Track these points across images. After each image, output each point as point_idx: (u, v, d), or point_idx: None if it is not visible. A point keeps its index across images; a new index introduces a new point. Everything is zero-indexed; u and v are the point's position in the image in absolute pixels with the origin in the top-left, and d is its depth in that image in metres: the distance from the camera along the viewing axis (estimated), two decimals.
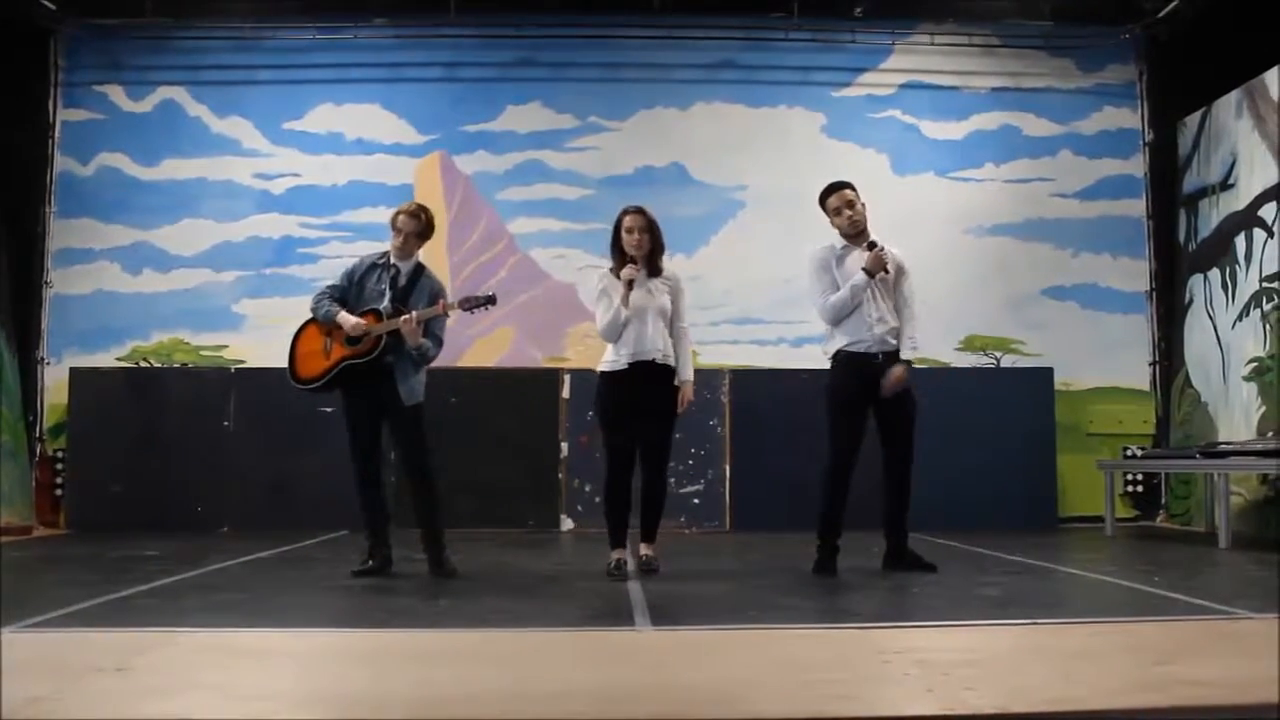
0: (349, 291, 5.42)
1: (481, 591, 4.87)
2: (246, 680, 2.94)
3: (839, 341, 5.48)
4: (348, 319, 5.26)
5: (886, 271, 5.47)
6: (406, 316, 5.20)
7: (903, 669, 3.02)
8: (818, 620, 4.13)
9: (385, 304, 5.33)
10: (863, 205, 5.59)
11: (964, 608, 4.26)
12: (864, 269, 5.41)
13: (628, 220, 5.46)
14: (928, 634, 3.62)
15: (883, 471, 5.47)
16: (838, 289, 5.44)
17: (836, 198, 5.59)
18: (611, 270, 5.51)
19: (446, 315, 5.41)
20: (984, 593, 4.70)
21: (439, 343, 5.42)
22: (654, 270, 5.48)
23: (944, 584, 5.00)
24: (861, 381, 5.38)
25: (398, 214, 5.49)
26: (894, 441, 5.44)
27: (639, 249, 5.41)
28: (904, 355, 5.50)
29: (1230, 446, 7.37)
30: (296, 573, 5.71)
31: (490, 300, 5.48)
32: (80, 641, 3.52)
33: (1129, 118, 9.45)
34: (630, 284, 5.31)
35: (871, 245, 5.45)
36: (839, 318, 5.45)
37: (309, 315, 5.49)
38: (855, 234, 5.56)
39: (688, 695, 2.75)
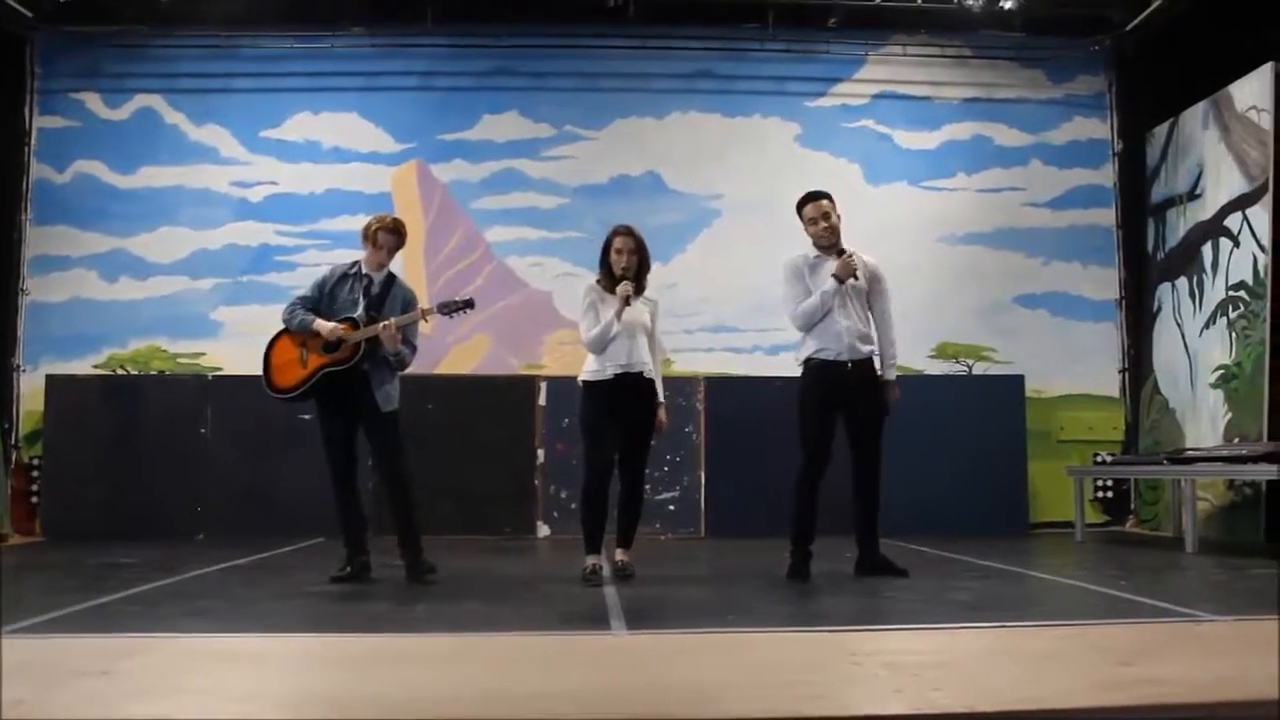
0: (320, 302, 5.46)
1: (459, 596, 4.92)
2: (229, 684, 2.99)
3: (809, 349, 5.57)
4: (325, 325, 5.30)
5: (856, 278, 5.56)
6: (386, 323, 5.25)
7: (873, 670, 3.09)
8: (791, 624, 4.19)
9: (360, 313, 5.37)
10: (838, 217, 5.66)
11: (934, 611, 4.34)
12: (834, 275, 5.49)
13: (618, 241, 5.54)
14: (898, 636, 3.70)
15: (853, 477, 5.55)
16: (810, 295, 5.51)
17: (813, 208, 5.67)
18: (599, 284, 5.57)
19: (425, 320, 5.48)
20: (954, 597, 4.78)
21: (414, 349, 5.49)
22: (639, 288, 5.55)
23: (915, 588, 5.07)
24: (831, 388, 5.46)
25: (378, 229, 5.52)
26: (863, 447, 5.53)
27: (629, 269, 5.48)
28: (889, 376, 5.62)
29: (1196, 453, 7.49)
30: (274, 579, 5.73)
31: (468, 304, 5.54)
32: (63, 646, 3.55)
33: (1099, 128, 9.60)
34: (626, 300, 5.37)
35: (841, 253, 5.53)
36: (810, 324, 5.53)
37: (280, 326, 5.51)
38: (828, 245, 5.64)
39: (663, 696, 2.81)
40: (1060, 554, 7.04)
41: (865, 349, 5.54)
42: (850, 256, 5.51)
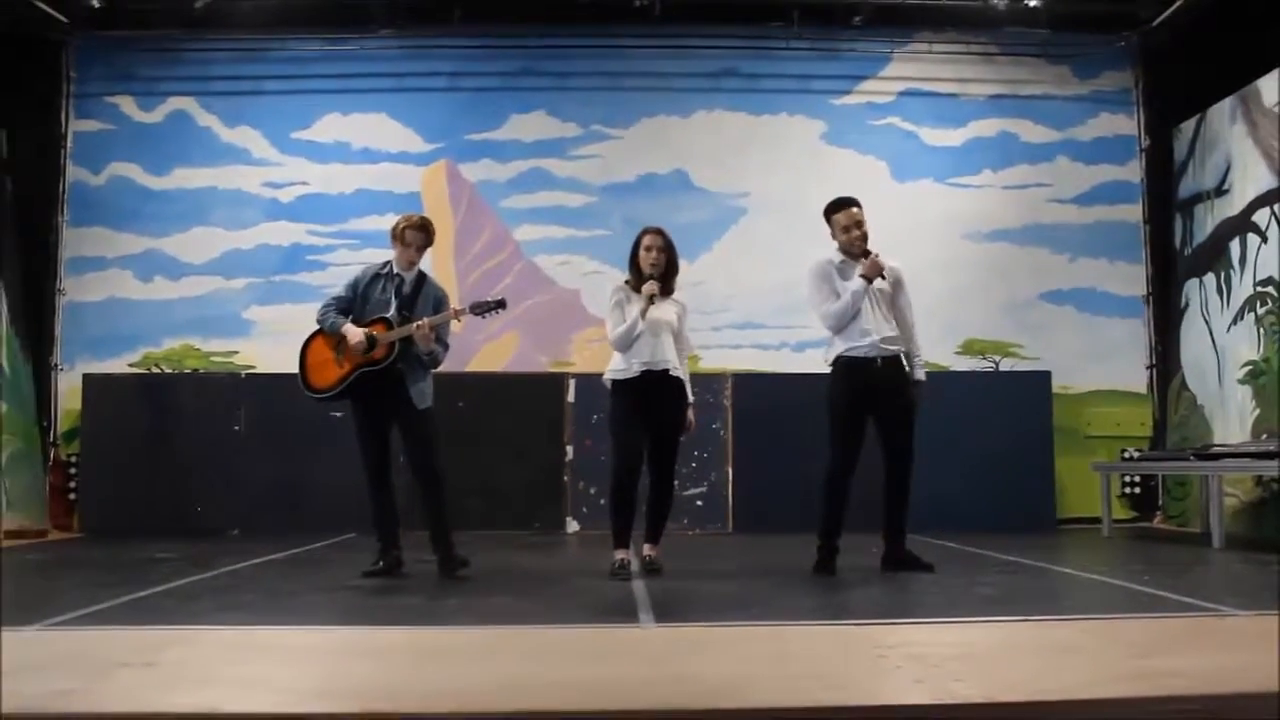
0: (353, 302, 5.55)
1: (489, 590, 5.01)
2: (267, 675, 3.08)
3: (838, 348, 5.62)
4: (352, 331, 5.39)
5: (883, 277, 5.61)
6: (419, 323, 5.33)
7: (895, 662, 3.14)
8: (815, 617, 4.26)
9: (392, 312, 5.46)
10: (867, 228, 5.69)
11: (958, 605, 4.39)
12: (861, 274, 5.54)
13: (647, 239, 5.62)
14: (921, 630, 3.75)
15: (884, 474, 5.60)
16: (838, 297, 5.56)
17: (845, 215, 5.69)
18: (627, 284, 5.64)
19: (458, 320, 5.57)
20: (979, 591, 4.83)
21: (446, 347, 5.59)
22: (667, 289, 5.61)
23: (940, 583, 5.13)
24: (861, 386, 5.51)
25: (405, 228, 5.62)
26: (894, 445, 5.57)
27: (656, 267, 5.55)
28: (918, 376, 5.67)
29: (1224, 449, 7.50)
30: (309, 574, 5.85)
31: (500, 304, 5.63)
32: (107, 638, 3.66)
33: (1125, 124, 9.59)
34: (651, 299, 5.44)
35: (867, 254, 5.58)
36: (841, 325, 5.58)
37: (315, 327, 5.61)
38: (859, 253, 5.67)
39: (689, 687, 2.88)
40: (1086, 549, 7.07)
41: (892, 348, 5.59)
42: (876, 256, 5.56)
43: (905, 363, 5.67)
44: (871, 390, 5.51)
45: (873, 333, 5.54)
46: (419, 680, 2.99)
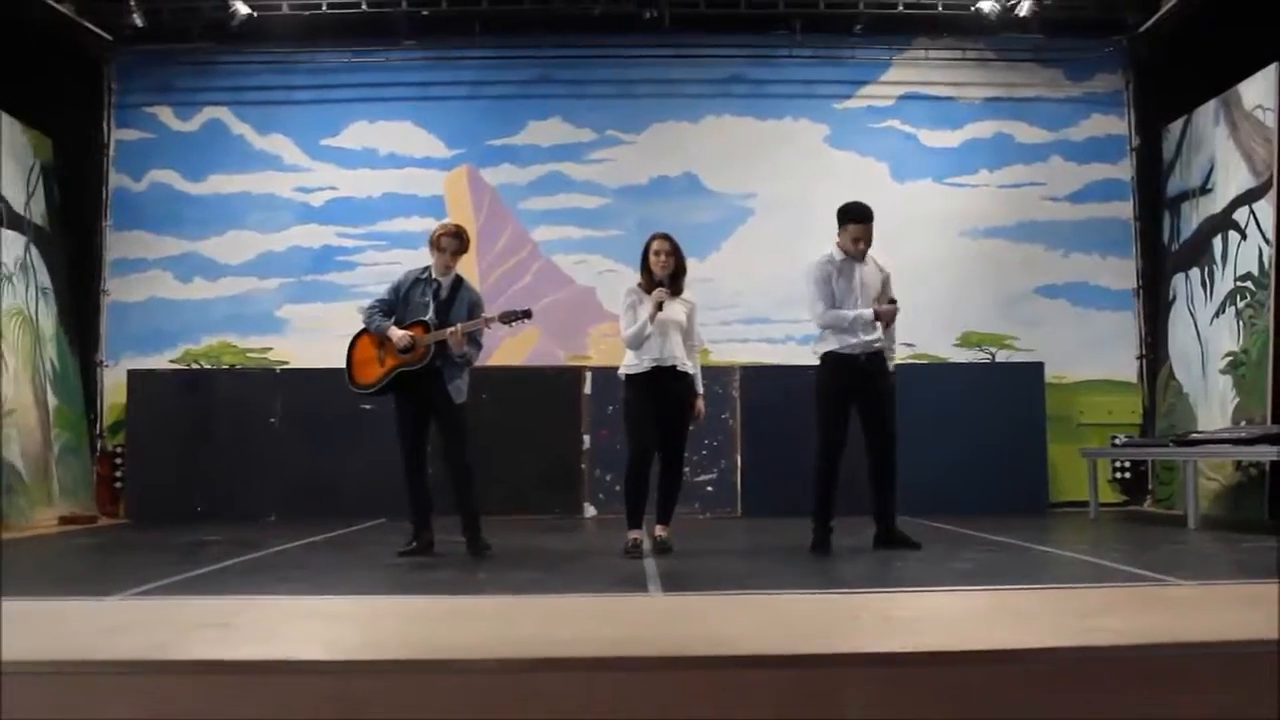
0: (396, 305, 6.04)
1: (514, 567, 5.51)
2: (321, 632, 3.59)
3: (830, 344, 6.08)
4: (396, 333, 5.88)
5: (891, 304, 6.09)
6: (453, 329, 5.82)
7: (870, 622, 3.64)
8: (804, 588, 4.74)
9: (430, 315, 5.94)
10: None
11: (936, 578, 4.86)
12: (876, 315, 5.99)
13: (656, 244, 6.07)
14: (896, 597, 4.23)
15: (868, 458, 6.07)
16: (833, 300, 6.03)
17: (858, 229, 6.09)
18: (640, 286, 6.08)
19: (488, 326, 6.05)
20: (957, 566, 5.31)
21: (479, 347, 6.08)
22: (676, 290, 6.07)
23: (925, 559, 5.60)
24: (846, 378, 5.99)
25: (441, 235, 6.10)
26: (877, 430, 6.04)
27: (665, 269, 6.01)
28: (890, 366, 6.14)
29: (1201, 435, 7.94)
30: (348, 554, 6.37)
31: (527, 314, 6.13)
32: (183, 606, 4.18)
33: (1117, 124, 9.99)
34: (660, 305, 5.89)
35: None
36: (834, 330, 6.05)
37: (361, 327, 6.10)
38: (857, 257, 6.14)
39: (687, 641, 3.38)
40: (1070, 530, 7.52)
41: (876, 344, 6.05)
42: (896, 305, 6.02)
43: (888, 353, 6.14)
44: (856, 381, 5.98)
45: (861, 332, 6.01)
46: (450, 636, 3.49)
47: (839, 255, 6.17)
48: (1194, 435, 8.02)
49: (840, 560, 5.68)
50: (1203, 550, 6.11)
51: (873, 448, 6.09)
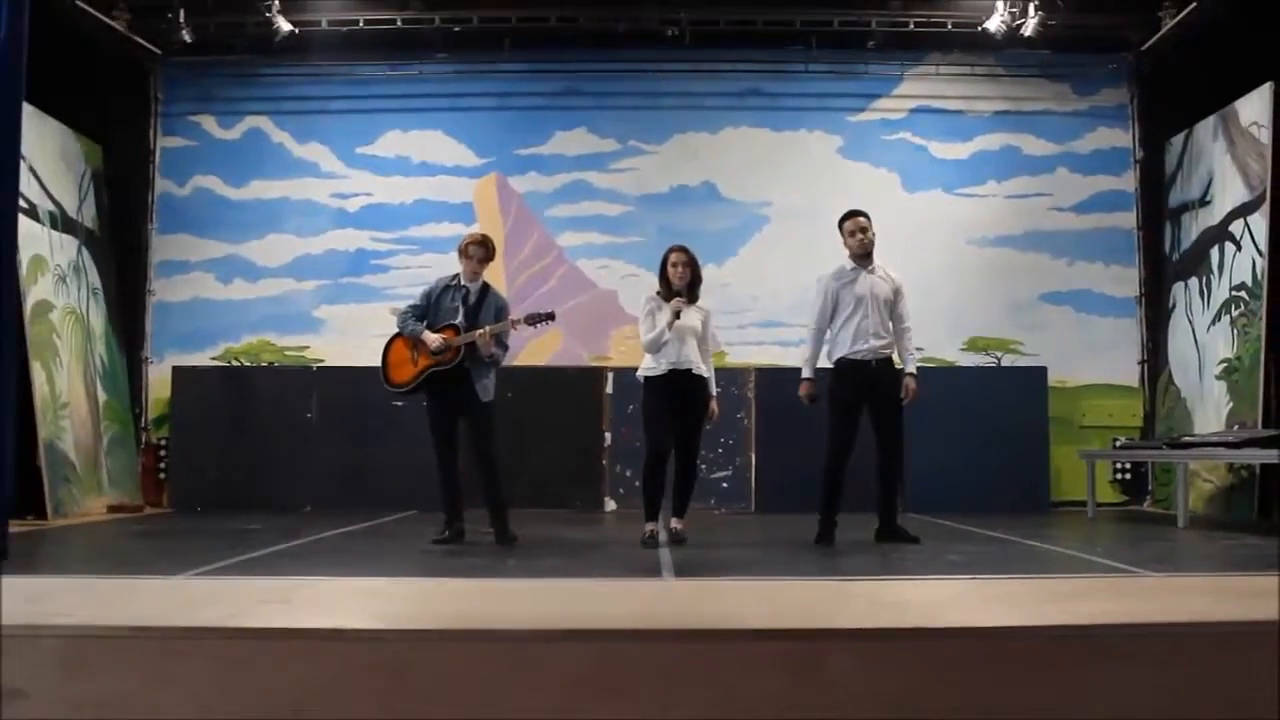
0: (427, 310, 6.48)
1: (539, 555, 5.94)
2: (369, 606, 4.04)
3: (842, 350, 6.50)
4: (429, 336, 6.32)
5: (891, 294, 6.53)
6: (481, 331, 6.26)
7: (861, 604, 4.06)
8: (805, 575, 5.16)
9: (460, 319, 6.39)
10: (873, 232, 6.60)
11: (927, 568, 5.28)
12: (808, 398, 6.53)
13: (673, 256, 6.50)
14: (888, 583, 4.66)
15: (876, 459, 6.49)
16: (831, 312, 6.47)
17: (853, 223, 6.60)
18: (659, 294, 6.51)
19: (514, 328, 6.49)
20: (950, 558, 5.72)
21: (506, 349, 6.52)
22: (692, 298, 6.50)
23: (922, 552, 6.02)
24: (858, 383, 6.40)
25: (468, 244, 6.55)
26: (885, 432, 6.46)
27: (682, 280, 6.44)
28: (910, 370, 6.55)
29: (1191, 439, 8.31)
30: (385, 542, 6.83)
31: (550, 316, 6.57)
32: (245, 584, 4.64)
33: (1121, 137, 10.34)
34: (677, 315, 6.31)
35: (869, 264, 6.48)
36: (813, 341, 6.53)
37: (395, 331, 6.54)
38: (863, 255, 6.59)
39: (693, 618, 3.81)
40: (1065, 528, 7.89)
41: (887, 351, 6.48)
42: (812, 394, 6.53)
43: (899, 359, 6.55)
44: (867, 387, 6.39)
45: (871, 338, 6.43)
46: (484, 610, 3.93)
47: (849, 265, 6.60)
48: (1185, 439, 8.40)
49: (842, 552, 6.10)
50: (1182, 546, 6.51)
51: (881, 449, 6.50)
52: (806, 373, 6.57)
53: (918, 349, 6.79)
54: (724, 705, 3.37)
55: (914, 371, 6.56)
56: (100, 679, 3.45)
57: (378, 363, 6.66)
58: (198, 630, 3.63)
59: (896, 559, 5.74)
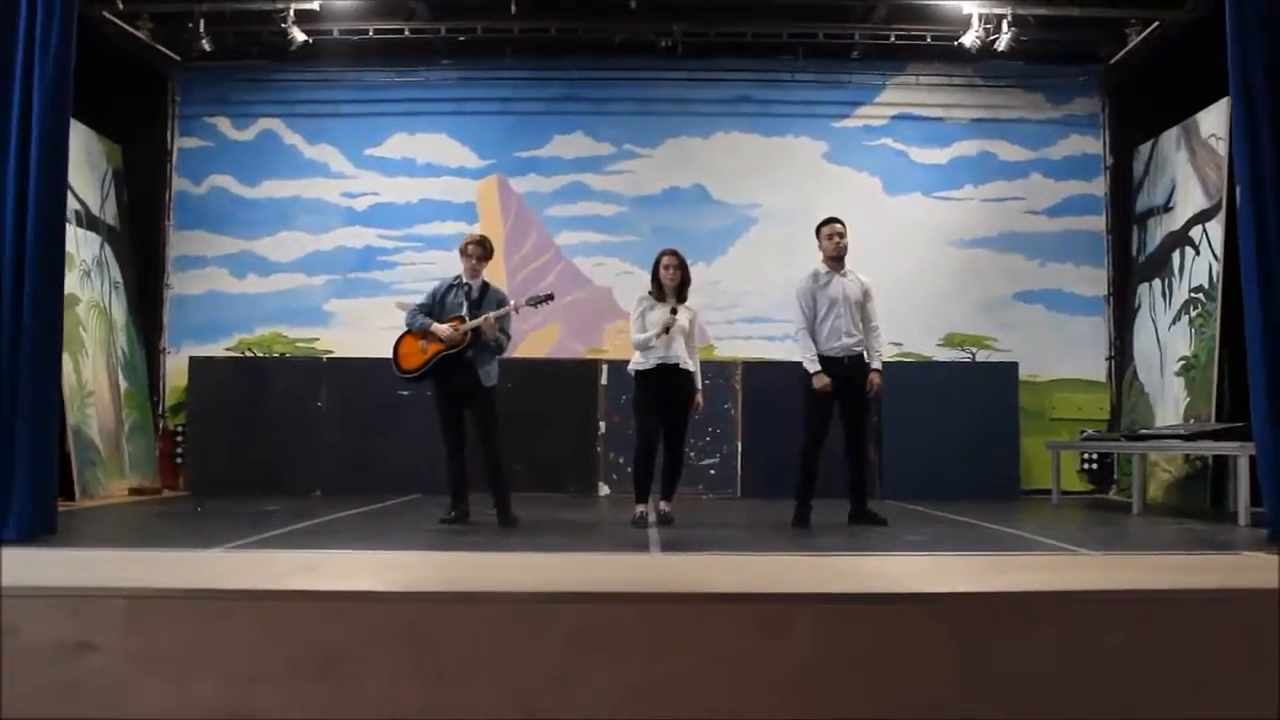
0: (433, 308, 7.00)
1: (538, 534, 6.48)
2: (386, 573, 4.58)
3: (819, 348, 7.02)
4: (439, 327, 6.82)
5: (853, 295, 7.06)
6: (486, 316, 6.79)
7: (824, 574, 4.60)
8: (778, 551, 5.70)
9: (464, 313, 6.91)
10: (848, 239, 7.12)
11: (888, 546, 5.83)
12: (817, 389, 6.94)
13: (665, 259, 7.05)
14: (850, 558, 5.21)
15: (844, 448, 7.03)
16: (814, 314, 6.98)
17: (829, 229, 7.15)
18: (650, 294, 7.05)
19: (516, 312, 7.00)
20: (911, 539, 6.28)
21: (509, 336, 7.05)
22: (681, 298, 7.03)
23: (887, 534, 6.57)
24: (831, 379, 6.93)
25: (468, 244, 7.08)
26: (854, 424, 7.00)
27: (673, 281, 6.98)
28: (875, 366, 7.08)
29: (1147, 431, 8.87)
30: (394, 522, 7.37)
31: (549, 297, 7.17)
32: (275, 556, 5.19)
33: (1092, 144, 10.87)
34: (666, 329, 6.83)
35: (841, 268, 7.01)
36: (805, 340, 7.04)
37: (404, 328, 7.02)
38: (836, 258, 7.13)
39: (677, 583, 4.35)
40: (1027, 513, 8.42)
41: (857, 349, 7.02)
42: (829, 384, 6.91)
43: (866, 356, 7.08)
44: (839, 382, 6.92)
45: (843, 337, 6.97)
46: (490, 577, 4.47)
47: (823, 269, 7.13)
48: (1143, 431, 8.96)
49: (816, 533, 6.65)
50: (1129, 530, 7.08)
51: (850, 439, 7.04)
52: (813, 368, 6.98)
53: (895, 344, 7.35)
54: (702, 659, 3.92)
55: (879, 368, 7.10)
56: (158, 634, 3.99)
57: (384, 354, 7.16)
58: (240, 593, 4.18)
59: (864, 538, 6.29)
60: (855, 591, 4.22)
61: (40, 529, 5.65)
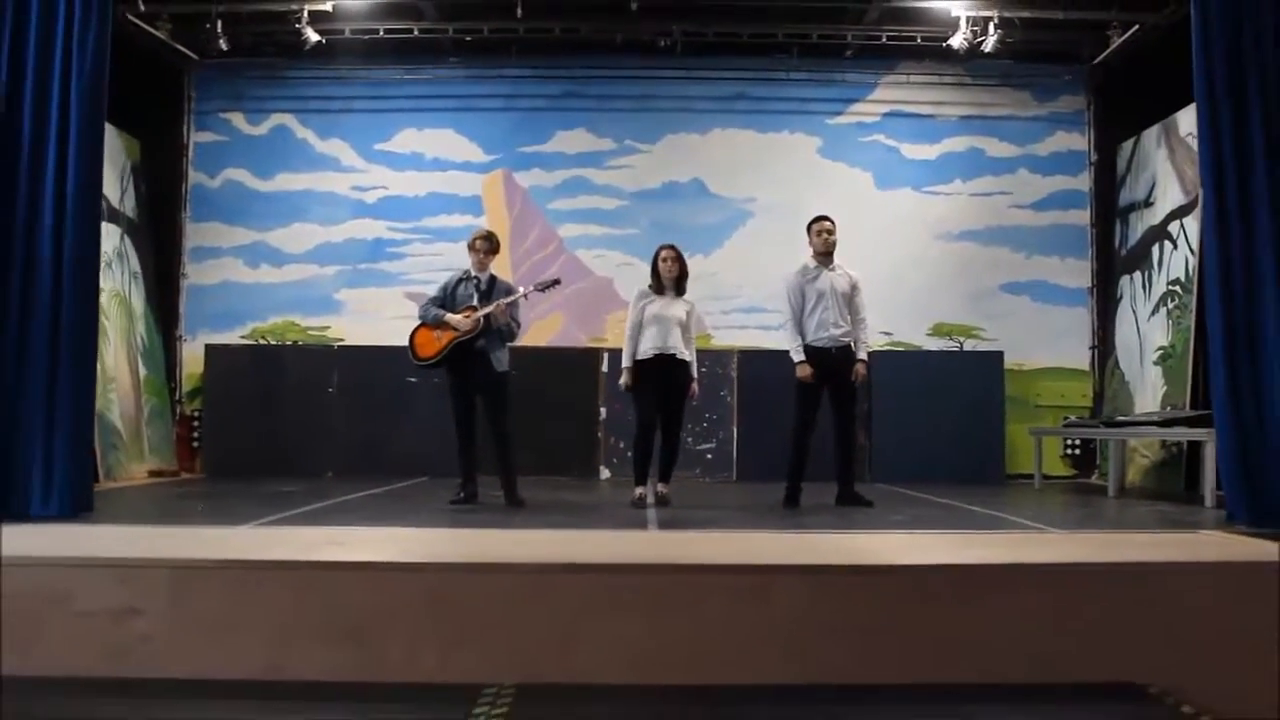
0: (445, 301, 7.38)
1: (543, 513, 6.88)
2: (405, 546, 4.99)
3: (807, 338, 7.42)
4: (453, 317, 7.20)
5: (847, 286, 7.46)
6: (498, 303, 7.17)
7: (806, 549, 5.01)
8: (766, 529, 6.11)
9: (475, 303, 7.29)
10: (836, 235, 7.51)
11: (871, 525, 6.24)
12: (800, 377, 7.37)
13: (664, 253, 7.44)
14: (832, 535, 5.61)
15: (833, 433, 7.43)
16: (802, 306, 7.37)
17: (819, 225, 7.56)
18: (650, 287, 7.44)
19: (525, 298, 7.39)
20: (894, 518, 6.68)
21: (519, 324, 7.43)
22: (680, 290, 7.43)
23: (872, 514, 6.97)
24: (820, 367, 7.33)
25: (475, 239, 7.47)
26: (842, 410, 7.40)
27: (671, 274, 7.38)
28: (861, 356, 7.48)
29: (1124, 418, 9.28)
30: (404, 502, 7.77)
31: (556, 282, 7.62)
32: (302, 531, 5.60)
33: (1078, 141, 11.24)
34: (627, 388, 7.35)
35: (830, 254, 7.40)
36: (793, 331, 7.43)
37: (418, 320, 7.40)
38: (825, 254, 7.52)
39: (673, 556, 4.76)
40: (1008, 497, 8.80)
41: (845, 339, 7.41)
42: (811, 373, 7.33)
43: (854, 347, 7.47)
44: (827, 370, 7.33)
45: (831, 328, 7.37)
46: (500, 550, 4.88)
47: (812, 264, 7.52)
48: (1120, 418, 9.36)
49: (805, 514, 7.04)
50: (1099, 512, 7.49)
51: (838, 425, 7.45)
52: (799, 357, 7.40)
53: (885, 333, 7.70)
54: (694, 624, 4.33)
55: (864, 358, 7.50)
56: (198, 601, 4.41)
57: (393, 342, 7.63)
58: (273, 563, 4.60)
59: (848, 519, 6.70)
60: (833, 563, 4.64)
61: (80, 507, 6.07)
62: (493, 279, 7.50)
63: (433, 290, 7.58)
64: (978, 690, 4.11)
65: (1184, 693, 4.07)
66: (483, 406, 7.35)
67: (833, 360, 7.37)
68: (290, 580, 4.49)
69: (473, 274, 7.46)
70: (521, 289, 7.45)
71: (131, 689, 4.08)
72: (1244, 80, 6.42)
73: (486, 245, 7.47)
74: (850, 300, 7.51)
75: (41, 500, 5.97)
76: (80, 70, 6.29)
